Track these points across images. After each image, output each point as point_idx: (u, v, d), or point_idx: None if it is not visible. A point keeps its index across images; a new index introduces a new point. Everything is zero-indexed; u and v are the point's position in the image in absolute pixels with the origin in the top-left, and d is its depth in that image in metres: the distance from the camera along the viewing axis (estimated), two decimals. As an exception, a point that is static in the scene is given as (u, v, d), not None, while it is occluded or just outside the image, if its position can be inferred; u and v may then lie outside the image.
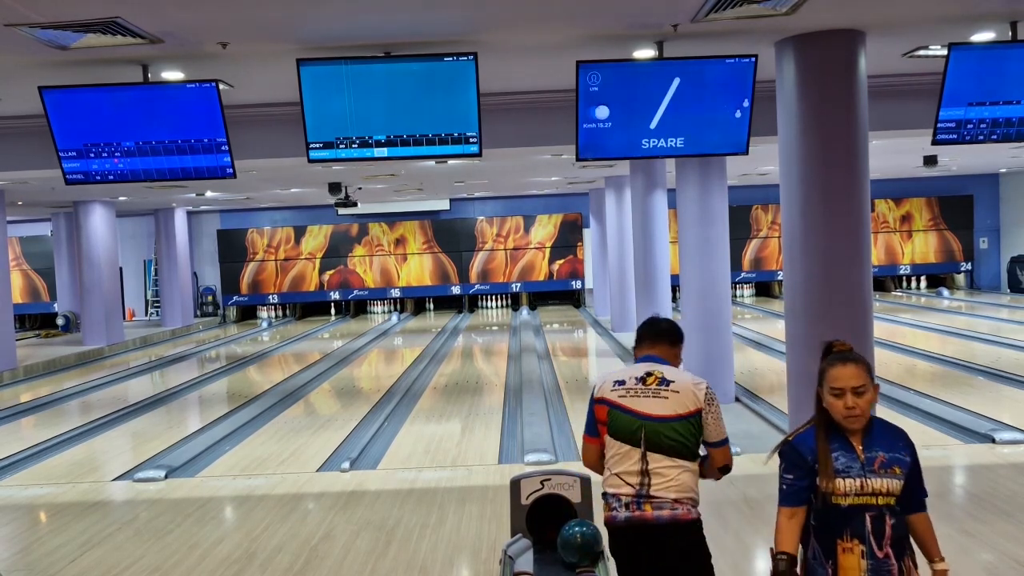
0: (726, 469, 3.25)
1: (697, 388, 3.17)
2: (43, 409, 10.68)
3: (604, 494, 3.22)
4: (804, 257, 6.25)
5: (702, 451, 3.22)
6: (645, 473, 3.12)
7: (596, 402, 3.25)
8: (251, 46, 5.83)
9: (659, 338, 3.36)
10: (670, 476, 3.10)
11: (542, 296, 23.00)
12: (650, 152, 6.31)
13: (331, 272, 22.37)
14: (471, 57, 5.84)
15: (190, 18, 5.11)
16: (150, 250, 22.76)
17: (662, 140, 6.25)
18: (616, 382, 3.23)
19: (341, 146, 6.10)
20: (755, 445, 7.16)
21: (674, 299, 12.99)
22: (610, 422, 3.19)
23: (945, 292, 21.44)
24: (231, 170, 6.39)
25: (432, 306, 23.22)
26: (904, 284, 22.88)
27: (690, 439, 3.13)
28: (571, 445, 7.67)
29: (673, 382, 3.19)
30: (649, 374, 3.21)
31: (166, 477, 7.11)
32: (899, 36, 6.34)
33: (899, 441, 2.70)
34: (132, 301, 23.15)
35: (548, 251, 22.34)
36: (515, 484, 4.02)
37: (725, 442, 3.21)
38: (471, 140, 6.10)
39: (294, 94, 6.01)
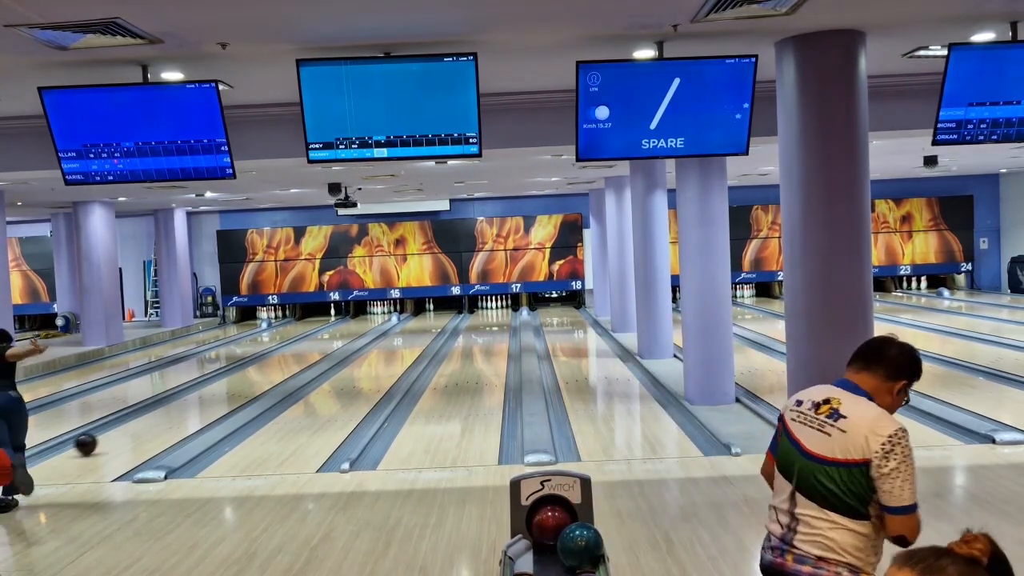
0: (901, 541, 2.48)
1: (874, 433, 2.48)
2: (43, 410, 10.67)
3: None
4: (804, 257, 6.24)
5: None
6: (792, 516, 2.61)
7: (780, 417, 2.80)
8: (251, 46, 5.83)
9: (875, 363, 2.66)
10: (817, 529, 2.54)
11: (543, 298, 23.02)
12: (650, 152, 6.30)
13: (331, 273, 22.37)
14: (471, 57, 5.84)
15: (190, 18, 5.10)
16: (150, 251, 22.76)
17: (662, 140, 6.25)
18: (797, 400, 2.73)
19: (341, 146, 6.09)
20: (755, 445, 7.15)
21: (674, 299, 12.99)
22: (779, 444, 2.74)
23: (945, 292, 21.43)
24: (231, 170, 6.38)
25: (432, 307, 23.22)
26: (904, 284, 22.88)
27: (849, 493, 2.51)
28: (571, 446, 7.67)
29: (846, 418, 2.54)
30: (826, 400, 2.63)
31: (166, 478, 7.11)
32: (899, 36, 6.33)
33: None
34: (132, 302, 23.14)
35: (548, 251, 22.33)
36: (515, 485, 4.02)
37: (906, 511, 2.47)
38: (471, 140, 6.10)
39: (294, 94, 6.01)
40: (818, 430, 2.58)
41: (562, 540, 3.74)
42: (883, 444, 2.46)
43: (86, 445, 8.14)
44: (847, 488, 2.50)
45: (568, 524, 3.84)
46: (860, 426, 2.50)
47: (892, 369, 2.64)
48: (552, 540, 3.81)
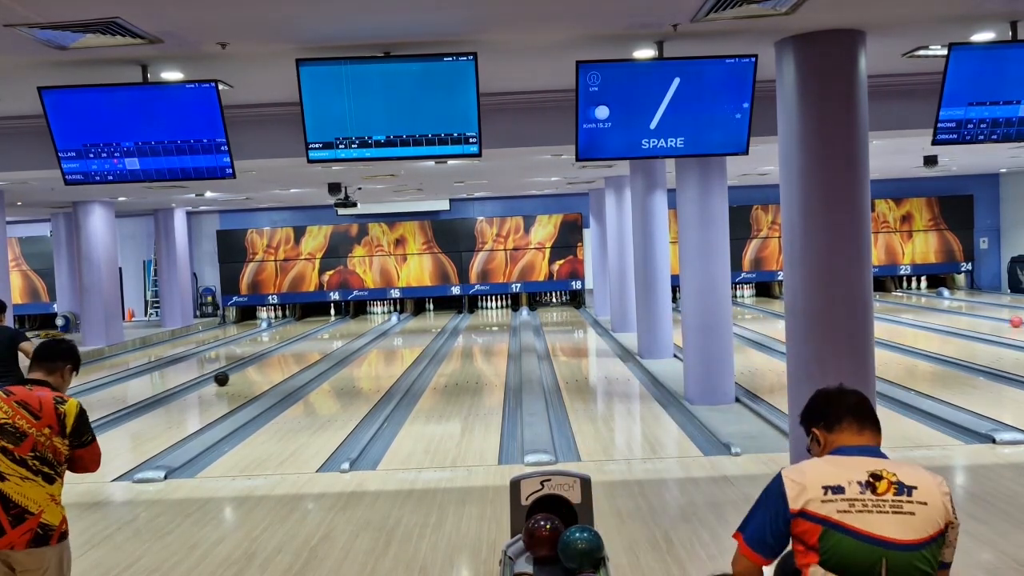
0: None
1: (944, 493, 2.29)
2: (43, 410, 10.67)
3: None
4: (804, 257, 6.24)
5: None
6: None
7: (797, 516, 2.29)
8: (251, 46, 5.82)
9: (867, 419, 2.43)
10: None
11: (544, 300, 23.02)
12: (650, 152, 6.30)
13: (331, 272, 22.37)
14: (471, 57, 5.83)
15: (190, 18, 5.10)
16: (149, 250, 22.76)
17: (662, 140, 6.25)
18: (829, 488, 2.27)
19: (341, 146, 6.09)
20: (755, 445, 7.16)
21: (674, 299, 12.99)
22: (825, 548, 2.25)
23: (945, 292, 21.43)
24: (231, 170, 6.38)
25: (432, 306, 23.22)
26: (904, 284, 22.89)
27: (936, 567, 2.27)
28: (571, 446, 7.67)
29: (916, 488, 2.26)
30: (877, 477, 2.27)
31: (166, 478, 7.11)
32: (899, 36, 6.33)
33: None
34: (132, 301, 23.14)
35: (548, 251, 22.34)
36: (515, 485, 4.02)
37: (950, 564, 2.38)
38: (471, 140, 6.09)
39: (294, 94, 6.00)
40: (897, 512, 2.23)
41: (563, 542, 3.73)
42: (951, 502, 2.31)
43: (222, 381, 11.31)
44: (935, 562, 2.26)
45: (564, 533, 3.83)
46: (934, 492, 2.27)
47: (877, 420, 2.48)
48: (550, 552, 3.80)
